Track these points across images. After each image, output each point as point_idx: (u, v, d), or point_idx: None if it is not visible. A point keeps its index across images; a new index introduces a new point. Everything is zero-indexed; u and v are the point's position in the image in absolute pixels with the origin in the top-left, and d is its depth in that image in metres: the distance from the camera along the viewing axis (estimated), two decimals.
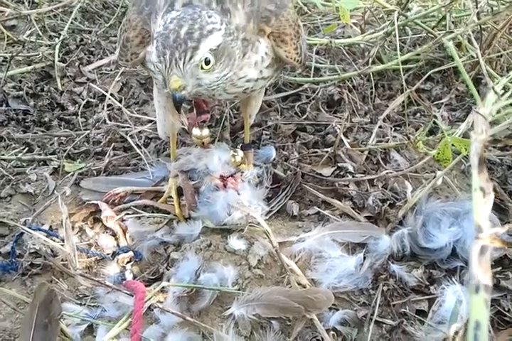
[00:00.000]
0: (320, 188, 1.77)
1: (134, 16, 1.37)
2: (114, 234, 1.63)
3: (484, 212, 0.67)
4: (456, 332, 1.19)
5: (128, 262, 1.54)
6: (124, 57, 1.41)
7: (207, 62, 1.17)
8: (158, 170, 1.83)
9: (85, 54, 2.65)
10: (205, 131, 1.73)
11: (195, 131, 1.72)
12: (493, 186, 0.72)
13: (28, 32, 2.75)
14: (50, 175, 1.87)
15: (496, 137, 1.87)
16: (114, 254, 1.54)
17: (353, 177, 1.78)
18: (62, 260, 1.54)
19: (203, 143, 1.75)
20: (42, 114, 2.25)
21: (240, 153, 1.77)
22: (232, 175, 1.69)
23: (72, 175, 1.85)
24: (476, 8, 2.11)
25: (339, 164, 1.84)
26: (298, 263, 1.49)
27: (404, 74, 2.13)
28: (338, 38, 2.43)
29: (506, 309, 1.43)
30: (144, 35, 1.32)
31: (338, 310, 1.42)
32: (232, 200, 1.60)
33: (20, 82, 2.44)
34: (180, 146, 1.92)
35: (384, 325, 1.41)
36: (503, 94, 1.31)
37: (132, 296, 1.36)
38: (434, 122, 1.70)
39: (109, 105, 2.22)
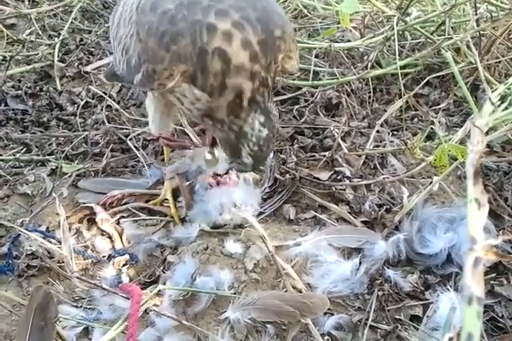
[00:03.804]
0: (317, 192, 1.77)
1: (156, 47, 1.29)
2: (110, 237, 1.64)
3: (478, 223, 0.68)
4: (451, 339, 1.20)
5: (124, 265, 1.54)
6: (150, 86, 1.37)
7: None
8: (155, 172, 1.83)
9: (85, 54, 2.65)
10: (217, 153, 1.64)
11: (207, 156, 1.65)
12: (489, 197, 0.72)
13: (28, 31, 2.76)
14: (48, 176, 1.87)
15: (492, 145, 1.88)
16: (110, 257, 1.55)
17: (350, 181, 1.79)
18: (58, 262, 1.55)
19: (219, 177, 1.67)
20: (40, 114, 2.25)
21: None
22: (226, 173, 1.67)
23: (70, 176, 1.85)
24: (476, 14, 2.12)
25: (336, 168, 1.84)
26: (294, 267, 1.50)
27: (402, 79, 2.13)
28: (337, 42, 2.43)
29: (500, 315, 1.44)
30: (174, 69, 1.28)
31: (333, 314, 1.42)
32: (225, 199, 1.60)
33: (20, 81, 2.44)
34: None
35: (379, 330, 1.42)
36: (501, 103, 1.32)
37: (128, 299, 1.36)
38: (432, 128, 1.70)
39: (107, 106, 2.22)
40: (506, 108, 1.38)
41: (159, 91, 1.44)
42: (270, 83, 1.32)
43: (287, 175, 1.81)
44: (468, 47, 2.15)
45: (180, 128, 2.04)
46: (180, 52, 1.27)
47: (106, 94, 2.24)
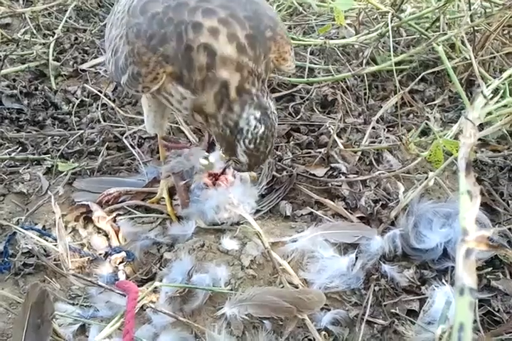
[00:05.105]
0: (313, 188, 1.78)
1: (143, 50, 1.30)
2: (106, 235, 1.64)
3: (470, 215, 0.68)
4: (445, 332, 1.21)
5: (120, 262, 1.54)
6: (134, 88, 1.38)
7: None
8: (151, 170, 1.83)
9: (80, 53, 2.65)
10: (212, 158, 1.64)
11: (202, 161, 1.65)
12: (482, 189, 0.72)
13: (23, 30, 2.75)
14: (44, 174, 1.87)
15: (487, 139, 1.89)
16: (107, 254, 1.55)
17: (346, 177, 1.79)
18: (54, 260, 1.55)
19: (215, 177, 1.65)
20: (36, 113, 2.24)
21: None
22: (223, 173, 1.67)
23: (66, 175, 1.85)
24: (470, 10, 2.12)
25: (332, 164, 1.85)
26: (290, 263, 1.50)
27: (397, 76, 2.14)
28: (332, 39, 2.43)
29: (496, 309, 1.44)
30: (159, 72, 1.30)
31: (329, 310, 1.43)
32: (222, 199, 1.59)
33: (14, 80, 2.43)
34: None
35: (375, 325, 1.43)
36: (493, 97, 1.32)
37: (125, 296, 1.36)
38: (427, 123, 1.71)
39: (103, 104, 2.22)
40: (498, 101, 1.38)
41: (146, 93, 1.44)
42: (262, 73, 1.29)
43: (284, 172, 1.81)
44: (462, 42, 2.15)
45: (176, 125, 2.05)
46: (167, 54, 1.27)
47: (101, 92, 2.23)
